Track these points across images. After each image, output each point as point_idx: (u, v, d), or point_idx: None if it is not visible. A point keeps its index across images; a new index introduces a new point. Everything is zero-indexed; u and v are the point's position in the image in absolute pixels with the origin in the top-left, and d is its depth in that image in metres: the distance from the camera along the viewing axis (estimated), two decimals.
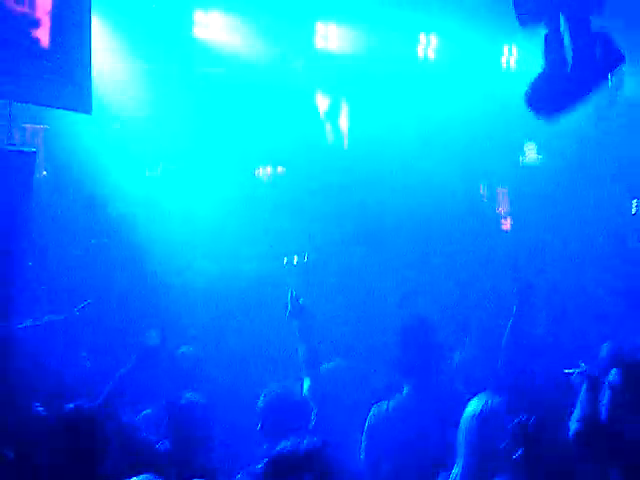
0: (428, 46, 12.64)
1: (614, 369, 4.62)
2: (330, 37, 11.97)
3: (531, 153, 14.70)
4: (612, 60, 4.91)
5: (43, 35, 5.34)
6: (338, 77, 12.37)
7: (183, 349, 6.27)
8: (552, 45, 4.99)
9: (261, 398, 5.24)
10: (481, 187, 14.17)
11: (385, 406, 5.59)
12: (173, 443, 5.12)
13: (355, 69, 12.22)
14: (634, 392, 4.54)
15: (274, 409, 5.09)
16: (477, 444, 4.45)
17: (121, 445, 4.90)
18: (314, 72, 12.01)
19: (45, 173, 8.80)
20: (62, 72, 5.47)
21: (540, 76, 5.14)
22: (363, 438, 5.57)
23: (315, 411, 5.49)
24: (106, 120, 9.36)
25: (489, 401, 4.55)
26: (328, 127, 12.72)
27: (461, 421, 4.56)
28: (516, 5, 5.14)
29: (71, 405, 4.89)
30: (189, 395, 5.34)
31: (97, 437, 4.66)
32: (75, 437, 4.60)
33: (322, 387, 5.70)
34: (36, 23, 5.26)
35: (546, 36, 5.05)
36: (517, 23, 5.27)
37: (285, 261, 9.29)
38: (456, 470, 4.53)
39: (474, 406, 4.61)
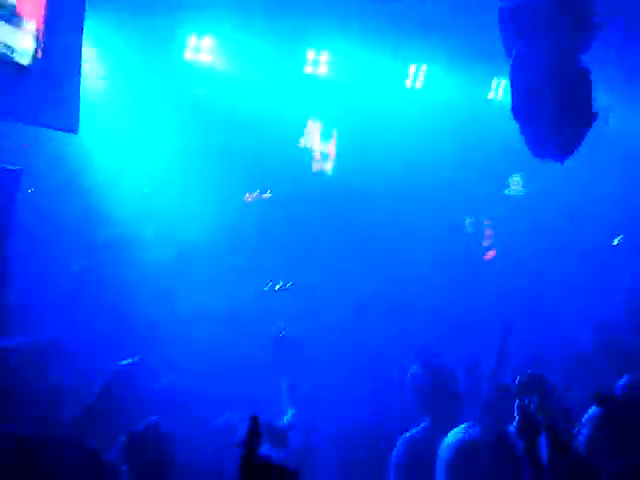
0: (416, 77, 12.74)
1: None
2: (320, 64, 12.06)
3: (516, 185, 14.77)
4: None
5: (29, 53, 5.34)
6: (326, 103, 12.45)
7: (167, 378, 6.21)
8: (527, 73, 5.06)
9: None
10: (466, 220, 14.21)
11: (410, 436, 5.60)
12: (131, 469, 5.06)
13: (343, 96, 12.29)
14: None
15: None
16: (453, 474, 4.43)
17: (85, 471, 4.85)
18: (303, 98, 12.08)
19: (31, 191, 8.77)
20: (50, 93, 5.47)
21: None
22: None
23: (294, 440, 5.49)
24: (94, 140, 9.36)
25: (468, 431, 4.53)
26: (316, 153, 12.76)
27: (439, 451, 4.54)
28: (504, 40, 5.19)
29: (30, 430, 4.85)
30: (151, 421, 5.27)
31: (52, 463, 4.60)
32: (33, 462, 4.54)
33: (304, 418, 5.70)
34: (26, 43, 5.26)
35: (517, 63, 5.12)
36: (504, 56, 5.32)
37: (268, 287, 9.25)
38: None
39: (452, 437, 4.60)
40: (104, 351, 5.76)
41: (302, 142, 12.72)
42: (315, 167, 12.55)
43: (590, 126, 5.20)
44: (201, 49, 11.15)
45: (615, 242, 12.34)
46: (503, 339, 6.68)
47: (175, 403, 5.89)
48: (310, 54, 12.02)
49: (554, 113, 5.11)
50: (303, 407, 5.78)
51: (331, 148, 12.96)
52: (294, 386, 5.79)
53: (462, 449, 4.41)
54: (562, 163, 5.30)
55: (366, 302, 9.92)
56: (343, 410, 6.34)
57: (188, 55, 11.18)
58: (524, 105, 5.17)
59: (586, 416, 4.71)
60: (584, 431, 4.65)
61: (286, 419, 5.75)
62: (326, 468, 5.62)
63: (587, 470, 4.34)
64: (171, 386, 6.12)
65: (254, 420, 2.24)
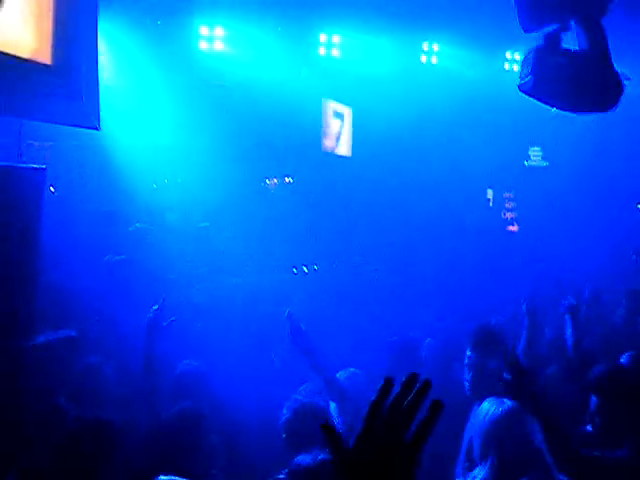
0: (431, 53, 12.73)
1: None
2: (333, 46, 12.08)
3: (536, 157, 14.76)
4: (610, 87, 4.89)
5: (49, 52, 5.38)
6: (342, 85, 12.44)
7: (185, 363, 6.24)
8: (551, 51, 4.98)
9: (284, 409, 5.21)
10: (488, 192, 14.21)
11: None
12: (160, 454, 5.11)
13: (358, 76, 12.28)
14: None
15: (300, 419, 5.05)
16: (502, 445, 4.47)
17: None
18: (318, 81, 12.09)
19: (52, 190, 8.84)
20: (69, 89, 5.50)
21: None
22: None
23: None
24: (114, 135, 9.42)
25: (503, 404, 4.58)
26: (328, 132, 12.75)
27: (477, 425, 4.59)
28: (521, 12, 5.13)
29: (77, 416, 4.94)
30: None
31: (100, 449, 4.68)
32: (77, 449, 4.62)
33: (348, 408, 5.73)
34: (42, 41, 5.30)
35: (545, 41, 5.04)
36: (515, 30, 5.28)
37: (295, 271, 9.29)
38: (481, 473, 4.53)
39: (488, 409, 4.64)
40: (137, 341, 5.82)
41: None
42: (326, 146, 12.50)
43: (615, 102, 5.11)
44: (214, 39, 11.18)
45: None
46: (529, 314, 6.67)
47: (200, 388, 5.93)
48: (322, 37, 12.05)
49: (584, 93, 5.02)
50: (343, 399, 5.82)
51: (346, 128, 12.93)
52: (332, 379, 5.80)
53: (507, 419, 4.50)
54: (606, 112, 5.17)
55: (389, 279, 9.93)
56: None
57: (202, 45, 11.22)
58: (548, 86, 5.08)
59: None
60: None
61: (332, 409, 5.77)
62: None
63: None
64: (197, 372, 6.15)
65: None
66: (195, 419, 4.94)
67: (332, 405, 5.68)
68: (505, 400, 4.52)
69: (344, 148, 12.97)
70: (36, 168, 5.22)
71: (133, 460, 4.64)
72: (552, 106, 5.09)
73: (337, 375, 5.92)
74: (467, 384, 5.61)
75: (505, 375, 4.38)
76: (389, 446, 1.99)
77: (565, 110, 5.09)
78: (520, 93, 5.20)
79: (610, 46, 4.92)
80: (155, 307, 5.56)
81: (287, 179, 12.83)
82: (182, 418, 4.96)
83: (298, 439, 4.86)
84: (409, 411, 2.00)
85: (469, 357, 5.65)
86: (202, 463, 4.72)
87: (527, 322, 6.52)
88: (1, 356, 4.76)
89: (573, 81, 4.85)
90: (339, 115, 12.78)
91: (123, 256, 7.75)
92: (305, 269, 9.53)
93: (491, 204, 14.35)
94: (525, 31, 5.04)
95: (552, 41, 4.94)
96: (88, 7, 5.82)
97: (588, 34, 4.79)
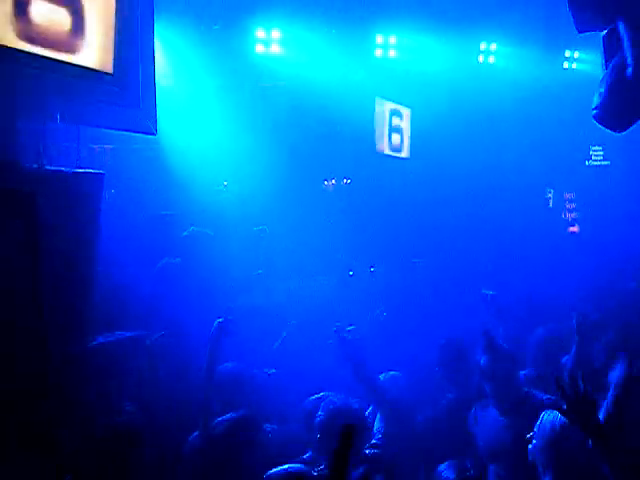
0: (489, 53, 12.63)
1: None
2: (389, 47, 12.06)
3: (598, 156, 14.55)
4: None
5: (110, 61, 5.48)
6: (399, 86, 12.40)
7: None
8: (613, 50, 4.88)
9: (320, 411, 5.25)
10: (549, 192, 14.04)
11: None
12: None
13: (415, 77, 12.24)
14: None
15: (334, 421, 5.09)
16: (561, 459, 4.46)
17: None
18: (375, 82, 12.07)
19: (113, 192, 8.98)
20: (127, 97, 5.59)
21: (605, 86, 4.95)
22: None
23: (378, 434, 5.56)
24: (173, 139, 9.53)
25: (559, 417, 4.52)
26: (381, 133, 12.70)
27: (540, 438, 4.57)
28: (574, 12, 5.05)
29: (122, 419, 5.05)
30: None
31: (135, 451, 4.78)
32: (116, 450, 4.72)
33: (389, 416, 5.75)
34: (99, 47, 5.40)
35: (605, 40, 4.96)
36: (574, 29, 5.20)
37: (351, 273, 9.31)
38: None
39: (551, 422, 4.60)
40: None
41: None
42: (379, 147, 12.46)
43: None
44: (271, 41, 11.24)
45: None
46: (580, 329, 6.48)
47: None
48: (379, 38, 12.04)
49: None
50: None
51: (405, 129, 12.86)
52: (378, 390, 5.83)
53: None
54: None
55: (447, 279, 9.89)
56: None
57: (259, 48, 11.29)
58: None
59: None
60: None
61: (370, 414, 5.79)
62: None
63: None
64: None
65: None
66: (249, 431, 5.02)
67: (378, 416, 5.71)
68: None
69: (404, 150, 12.92)
70: (95, 173, 5.32)
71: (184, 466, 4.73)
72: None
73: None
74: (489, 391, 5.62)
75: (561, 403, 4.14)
76: None
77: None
78: (580, 92, 5.14)
79: None
80: (221, 319, 5.66)
81: (345, 180, 12.84)
82: (236, 429, 5.05)
83: (331, 440, 4.92)
84: None
85: (484, 364, 5.65)
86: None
87: (577, 339, 6.35)
88: (62, 358, 4.84)
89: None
90: (399, 114, 12.70)
91: (178, 259, 7.85)
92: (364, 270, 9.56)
93: (551, 204, 14.17)
94: (579, 32, 4.98)
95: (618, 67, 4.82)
96: (145, 14, 5.91)
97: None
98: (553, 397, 4.97)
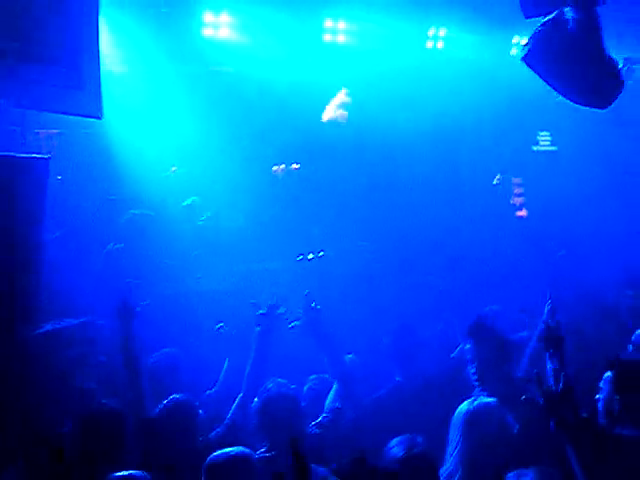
0: (437, 38, 12.67)
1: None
2: (338, 32, 12.04)
3: (545, 141, 14.69)
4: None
5: (52, 41, 5.40)
6: (347, 71, 12.39)
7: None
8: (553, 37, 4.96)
9: (256, 398, 5.28)
10: (496, 177, 14.14)
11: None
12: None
13: (363, 62, 12.24)
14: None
15: (269, 409, 5.11)
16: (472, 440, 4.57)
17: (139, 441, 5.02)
18: (323, 67, 12.05)
19: (60, 177, 8.87)
20: (72, 79, 5.52)
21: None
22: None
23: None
24: (120, 124, 9.44)
25: (480, 400, 4.66)
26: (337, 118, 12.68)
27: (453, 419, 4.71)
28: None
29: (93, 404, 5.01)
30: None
31: (115, 435, 4.75)
32: (94, 435, 4.69)
33: (353, 391, 5.79)
34: (46, 29, 5.31)
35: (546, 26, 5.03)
36: (521, 15, 5.26)
37: (299, 258, 9.28)
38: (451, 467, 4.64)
39: (465, 406, 4.82)
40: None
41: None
42: (327, 116, 12.42)
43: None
44: (219, 25, 11.14)
45: None
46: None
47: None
48: (328, 22, 12.00)
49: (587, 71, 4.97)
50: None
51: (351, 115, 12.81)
52: (336, 361, 5.85)
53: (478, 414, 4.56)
54: (603, 108, 5.14)
55: (392, 265, 9.93)
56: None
57: (207, 32, 11.19)
58: (554, 67, 5.04)
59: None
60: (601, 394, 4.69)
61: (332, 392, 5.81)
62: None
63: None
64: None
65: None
66: (190, 416, 5.02)
67: (334, 387, 5.75)
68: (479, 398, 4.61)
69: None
70: (40, 157, 5.25)
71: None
72: (549, 85, 5.08)
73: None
74: (474, 376, 5.63)
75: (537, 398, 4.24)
76: None
77: (564, 96, 5.07)
78: (529, 78, 5.21)
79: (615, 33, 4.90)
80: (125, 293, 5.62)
81: (294, 165, 12.80)
82: (175, 413, 5.04)
83: (266, 427, 4.98)
84: None
85: (469, 350, 5.67)
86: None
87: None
88: (8, 344, 4.79)
89: (568, 64, 4.83)
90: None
91: (122, 245, 7.80)
92: (310, 255, 9.52)
93: (499, 189, 14.28)
94: (525, 17, 5.04)
95: (558, 23, 4.91)
96: None
97: (582, 21, 4.76)
98: None
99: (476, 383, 5.63)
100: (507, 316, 7.37)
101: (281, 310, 5.90)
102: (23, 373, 4.86)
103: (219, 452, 4.42)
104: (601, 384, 4.72)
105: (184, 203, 10.07)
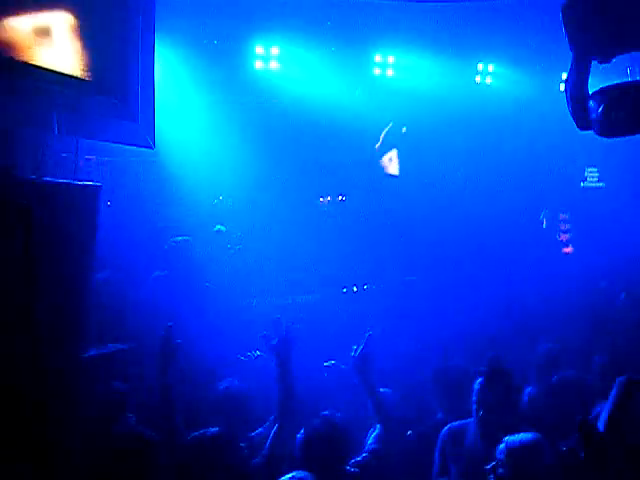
0: (486, 74, 12.71)
1: None
2: (388, 66, 12.13)
3: (593, 177, 14.60)
4: None
5: (107, 73, 5.50)
6: (396, 104, 12.45)
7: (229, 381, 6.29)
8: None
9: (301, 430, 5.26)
10: (542, 214, 14.07)
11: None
12: None
13: (412, 96, 12.29)
14: None
15: (312, 442, 5.10)
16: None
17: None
18: (373, 101, 12.12)
19: (109, 204, 9.01)
20: (126, 111, 5.62)
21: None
22: None
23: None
24: (171, 152, 9.57)
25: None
26: (387, 156, 12.75)
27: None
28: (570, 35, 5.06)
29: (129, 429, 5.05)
30: None
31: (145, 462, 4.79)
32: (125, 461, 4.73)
33: (393, 434, 5.77)
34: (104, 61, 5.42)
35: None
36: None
37: (344, 290, 9.33)
38: None
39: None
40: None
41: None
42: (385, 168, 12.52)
43: None
44: (270, 58, 11.29)
45: None
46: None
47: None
48: (377, 57, 12.11)
49: None
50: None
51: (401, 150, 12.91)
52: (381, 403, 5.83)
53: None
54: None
55: (442, 302, 9.89)
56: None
57: (258, 65, 11.33)
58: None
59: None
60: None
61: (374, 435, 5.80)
62: None
63: None
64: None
65: None
66: (221, 447, 5.03)
67: (376, 431, 5.71)
68: None
69: (393, 168, 12.96)
70: (92, 185, 5.32)
71: None
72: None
73: None
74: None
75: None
76: None
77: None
78: None
79: None
80: (165, 331, 5.64)
81: (340, 197, 12.86)
82: (207, 444, 5.05)
83: (308, 461, 4.98)
84: None
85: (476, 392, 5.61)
86: None
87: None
88: (56, 370, 4.84)
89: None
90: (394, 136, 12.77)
91: (165, 272, 7.88)
92: (355, 288, 9.55)
93: (544, 225, 14.19)
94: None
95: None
96: (146, 29, 5.94)
97: None
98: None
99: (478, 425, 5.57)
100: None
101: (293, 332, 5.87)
102: (71, 397, 4.90)
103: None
104: None
105: (215, 229, 10.14)
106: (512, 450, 4.59)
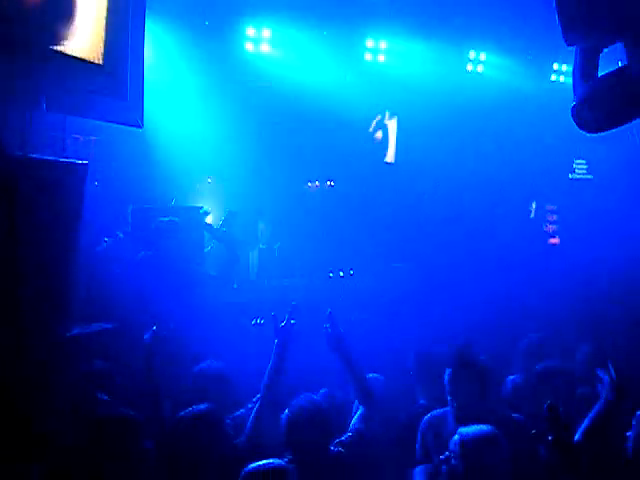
0: (477, 62, 12.71)
1: None
2: (379, 52, 12.10)
3: (581, 169, 14.62)
4: None
5: (101, 53, 5.47)
6: (387, 91, 12.43)
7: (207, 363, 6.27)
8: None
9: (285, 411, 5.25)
10: (532, 204, 14.10)
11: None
12: None
13: (403, 82, 12.27)
14: None
15: (299, 419, 5.09)
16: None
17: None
18: (363, 86, 12.09)
19: (97, 184, 8.95)
20: (115, 88, 5.59)
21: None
22: None
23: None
24: (158, 132, 9.52)
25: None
26: (377, 139, 12.75)
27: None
28: (562, 24, 5.03)
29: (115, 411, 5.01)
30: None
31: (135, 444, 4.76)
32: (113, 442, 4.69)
33: (377, 413, 5.75)
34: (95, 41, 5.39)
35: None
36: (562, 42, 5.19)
37: (331, 275, 9.31)
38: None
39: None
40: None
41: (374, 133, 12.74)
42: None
43: None
44: (261, 40, 11.23)
45: None
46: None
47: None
48: (369, 42, 12.07)
49: None
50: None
51: (391, 135, 12.92)
52: (361, 384, 5.81)
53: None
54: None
55: (427, 289, 9.90)
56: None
57: (248, 47, 11.28)
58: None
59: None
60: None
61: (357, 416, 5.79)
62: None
63: None
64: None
65: None
66: (210, 424, 5.00)
67: (360, 411, 5.70)
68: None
69: (389, 156, 12.97)
70: (79, 163, 5.29)
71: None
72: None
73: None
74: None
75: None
76: None
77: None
78: (566, 104, 5.12)
79: None
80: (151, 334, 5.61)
81: (329, 182, 12.85)
82: (196, 421, 5.02)
83: (293, 441, 4.98)
84: None
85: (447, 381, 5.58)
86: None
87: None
88: (39, 345, 4.82)
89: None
90: (382, 125, 12.78)
91: (150, 252, 7.84)
92: (341, 273, 9.55)
93: (532, 215, 14.23)
94: (568, 45, 4.97)
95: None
96: (137, 8, 5.92)
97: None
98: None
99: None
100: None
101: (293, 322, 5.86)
102: (54, 375, 4.88)
103: (255, 465, 4.40)
104: (634, 421, 4.67)
105: (202, 210, 10.08)
106: (465, 442, 4.58)
